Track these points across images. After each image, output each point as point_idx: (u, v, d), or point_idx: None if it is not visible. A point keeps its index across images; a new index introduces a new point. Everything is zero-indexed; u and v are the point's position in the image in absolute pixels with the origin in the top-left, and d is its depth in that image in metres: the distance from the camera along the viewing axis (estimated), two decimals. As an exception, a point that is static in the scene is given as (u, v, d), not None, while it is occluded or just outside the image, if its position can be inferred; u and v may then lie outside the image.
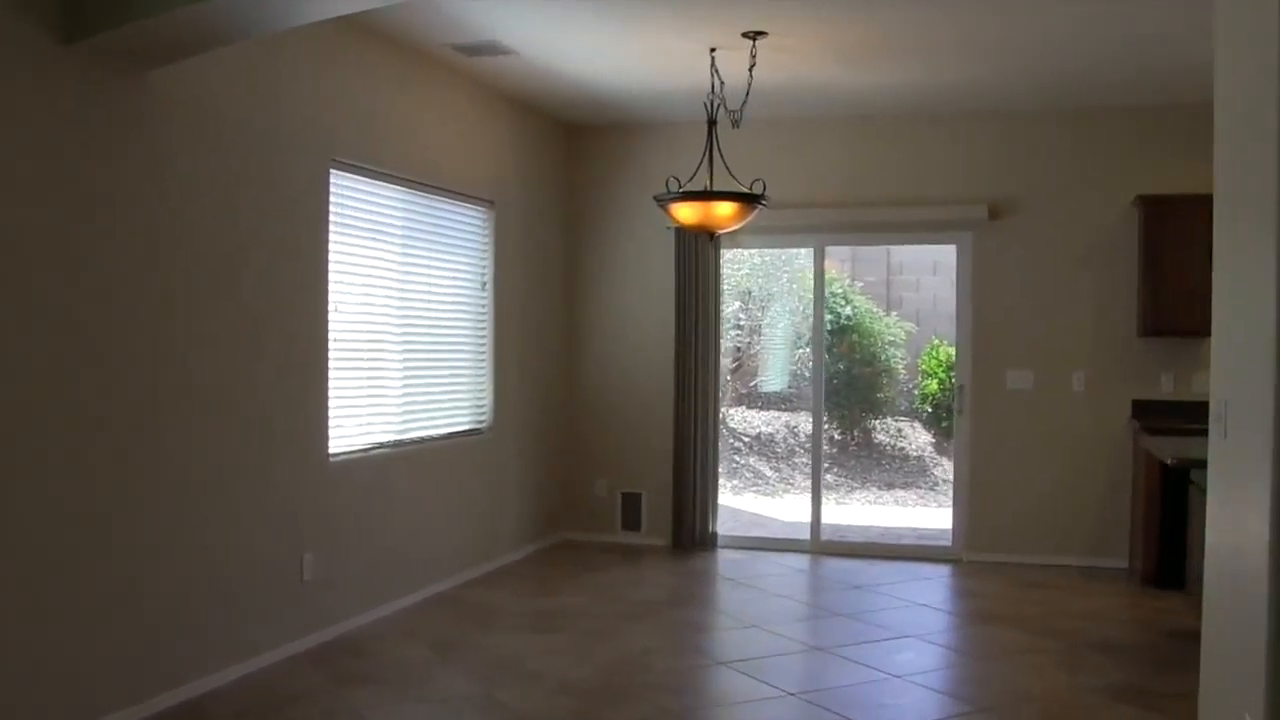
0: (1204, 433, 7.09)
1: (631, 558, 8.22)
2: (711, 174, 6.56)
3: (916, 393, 13.43)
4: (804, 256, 13.70)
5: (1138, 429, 7.32)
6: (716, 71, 6.58)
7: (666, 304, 8.59)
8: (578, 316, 8.90)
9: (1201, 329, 7.72)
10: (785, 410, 13.78)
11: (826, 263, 13.86)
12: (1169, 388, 7.80)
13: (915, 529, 9.91)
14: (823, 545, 8.53)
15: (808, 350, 13.65)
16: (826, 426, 13.87)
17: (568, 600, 6.88)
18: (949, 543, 8.34)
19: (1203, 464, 5.39)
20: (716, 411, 8.60)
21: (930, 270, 14.28)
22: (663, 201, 6.48)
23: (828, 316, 13.48)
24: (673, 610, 6.82)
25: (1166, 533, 7.20)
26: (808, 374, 13.78)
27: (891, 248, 13.68)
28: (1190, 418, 7.60)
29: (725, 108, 6.60)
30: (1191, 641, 5.92)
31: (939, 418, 13.24)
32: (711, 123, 6.63)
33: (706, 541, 8.50)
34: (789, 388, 13.93)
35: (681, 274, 8.49)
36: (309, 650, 5.69)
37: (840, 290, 13.36)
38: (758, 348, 13.78)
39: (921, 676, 5.49)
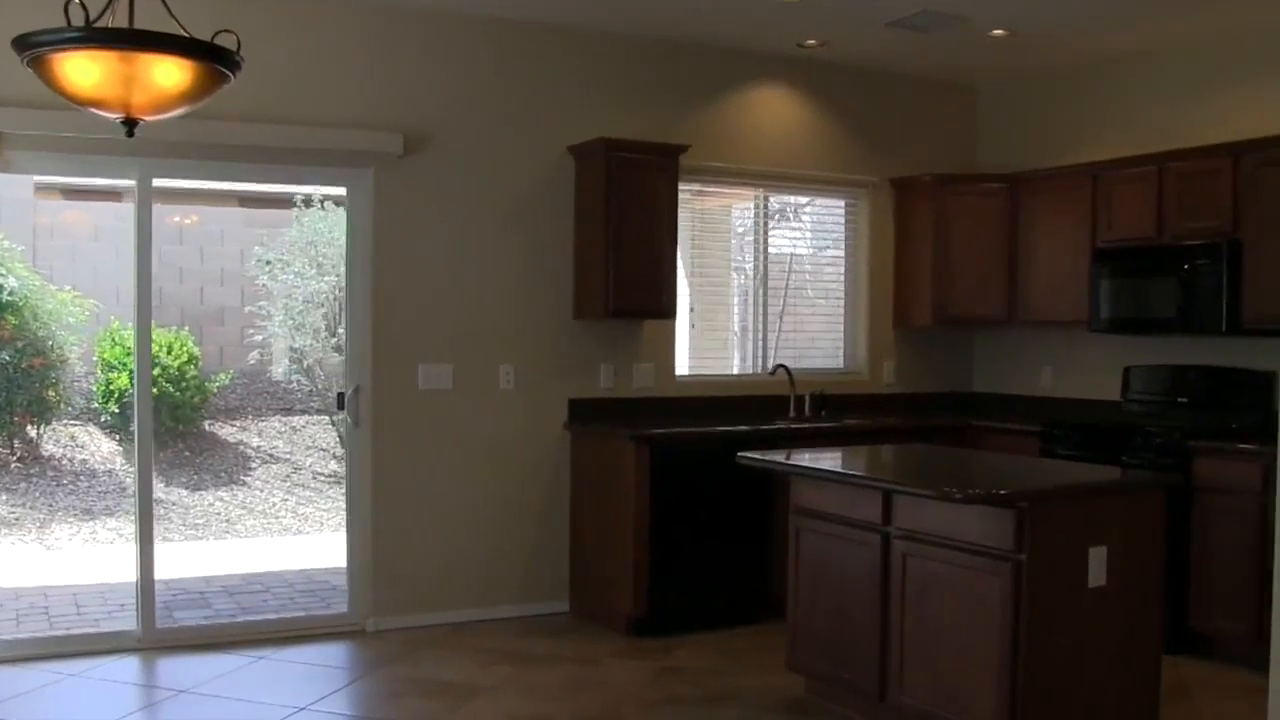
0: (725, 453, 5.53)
1: None
2: (132, 11, 3.54)
3: (97, 390, 10.32)
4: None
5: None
6: None
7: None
8: None
9: (663, 310, 6.46)
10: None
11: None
12: (609, 382, 6.34)
13: (203, 579, 7.17)
14: (159, 636, 5.55)
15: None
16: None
17: None
18: (343, 607, 5.94)
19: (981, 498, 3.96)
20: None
21: (92, 235, 11.28)
22: (40, 49, 3.26)
23: (-19, 290, 9.70)
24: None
25: (656, 571, 5.78)
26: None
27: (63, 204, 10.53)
28: (636, 418, 6.25)
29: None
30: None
31: (126, 420, 10.30)
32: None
33: (-39, 659, 5.02)
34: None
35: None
36: None
37: (-2, 255, 9.73)
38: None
39: None
